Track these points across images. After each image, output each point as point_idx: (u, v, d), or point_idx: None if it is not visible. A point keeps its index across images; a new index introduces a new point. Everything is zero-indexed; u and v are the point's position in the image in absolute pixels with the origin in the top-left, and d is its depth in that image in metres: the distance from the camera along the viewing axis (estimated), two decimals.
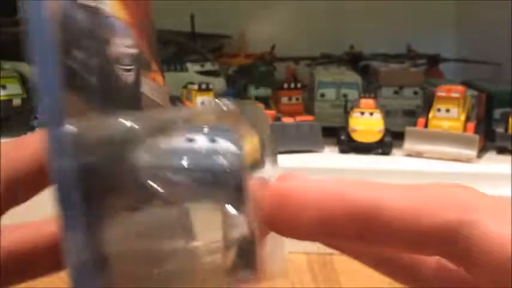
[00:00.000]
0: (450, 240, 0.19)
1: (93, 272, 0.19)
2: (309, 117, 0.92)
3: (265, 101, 0.96)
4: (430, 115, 0.88)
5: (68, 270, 0.19)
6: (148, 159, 0.22)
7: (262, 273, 0.22)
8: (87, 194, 0.19)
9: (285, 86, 0.95)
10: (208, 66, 1.07)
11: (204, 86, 0.90)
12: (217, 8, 1.25)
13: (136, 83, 0.28)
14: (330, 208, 0.20)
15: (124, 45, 0.27)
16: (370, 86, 1.00)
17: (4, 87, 0.93)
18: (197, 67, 1.06)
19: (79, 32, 0.24)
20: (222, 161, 0.22)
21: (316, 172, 0.79)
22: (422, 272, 0.24)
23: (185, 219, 0.22)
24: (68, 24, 0.23)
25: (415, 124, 0.89)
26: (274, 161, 0.24)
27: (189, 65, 1.06)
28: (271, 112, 0.91)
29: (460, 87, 0.89)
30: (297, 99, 0.95)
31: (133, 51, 0.27)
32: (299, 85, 0.96)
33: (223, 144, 0.23)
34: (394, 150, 0.89)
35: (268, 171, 0.24)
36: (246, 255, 0.22)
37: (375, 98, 0.91)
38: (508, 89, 0.97)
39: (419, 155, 0.87)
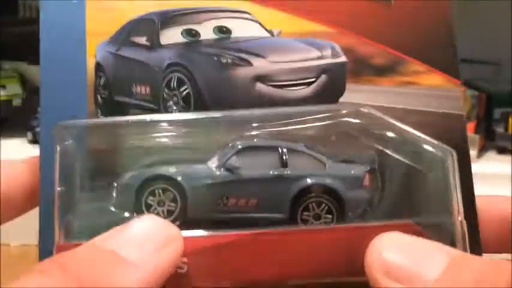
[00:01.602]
0: None
1: None
2: None
3: None
4: None
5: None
6: None
7: None
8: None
9: None
10: None
11: None
12: None
13: (321, 93, 0.31)
14: None
15: (300, 59, 0.31)
16: None
17: (4, 87, 0.93)
18: None
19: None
20: None
21: None
22: None
23: None
24: None
25: None
26: None
27: None
28: None
29: None
30: None
31: (318, 63, 0.31)
32: None
33: None
34: None
35: None
36: None
37: None
38: (508, 88, 0.97)
39: None
